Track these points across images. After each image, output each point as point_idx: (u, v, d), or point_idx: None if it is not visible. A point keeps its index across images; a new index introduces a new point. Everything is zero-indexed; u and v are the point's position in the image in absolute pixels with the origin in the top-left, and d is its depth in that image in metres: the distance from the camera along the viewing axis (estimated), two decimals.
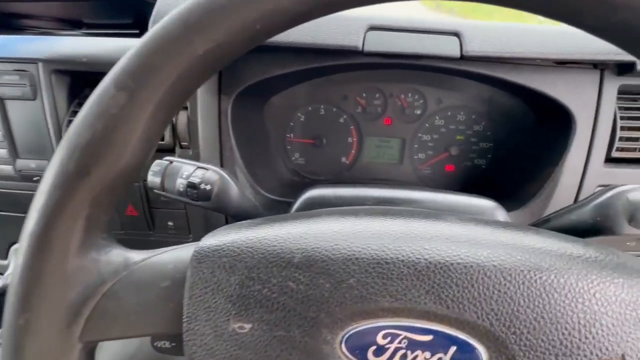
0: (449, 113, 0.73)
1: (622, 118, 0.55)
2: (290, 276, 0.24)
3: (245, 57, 0.56)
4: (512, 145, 0.71)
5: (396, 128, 0.75)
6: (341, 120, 0.75)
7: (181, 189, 0.39)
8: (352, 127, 0.76)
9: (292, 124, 0.76)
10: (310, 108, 0.75)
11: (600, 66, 0.53)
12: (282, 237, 0.25)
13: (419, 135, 0.75)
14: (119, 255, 0.27)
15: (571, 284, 0.22)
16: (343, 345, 0.23)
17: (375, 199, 0.43)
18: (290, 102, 0.73)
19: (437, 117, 0.73)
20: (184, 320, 0.24)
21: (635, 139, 0.56)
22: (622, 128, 0.55)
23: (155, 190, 0.41)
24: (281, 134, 0.76)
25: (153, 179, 0.40)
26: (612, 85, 0.54)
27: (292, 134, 0.77)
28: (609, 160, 0.57)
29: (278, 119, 0.74)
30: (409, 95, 0.73)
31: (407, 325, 0.22)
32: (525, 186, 0.61)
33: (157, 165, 0.41)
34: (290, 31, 0.52)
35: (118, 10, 0.84)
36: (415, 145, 0.76)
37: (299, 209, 0.43)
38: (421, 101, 0.73)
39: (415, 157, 0.76)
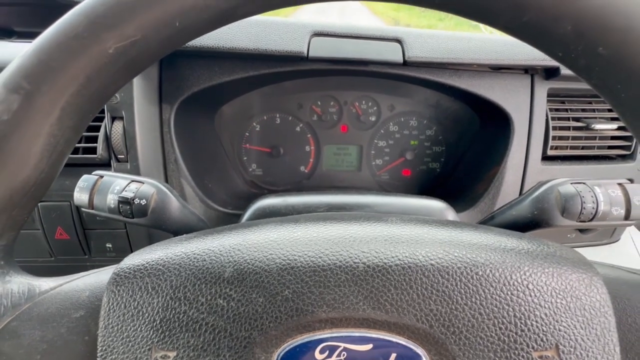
0: (402, 119, 0.75)
1: (552, 119, 0.60)
2: (220, 293, 0.22)
3: (189, 64, 0.53)
4: (462, 149, 0.74)
5: (353, 135, 0.75)
6: (297, 129, 0.75)
7: (112, 206, 0.35)
8: (309, 135, 0.75)
9: (247, 134, 0.74)
10: (265, 117, 0.73)
11: (530, 71, 0.57)
12: (213, 250, 0.23)
13: (375, 141, 0.76)
14: (20, 284, 0.24)
15: (506, 277, 0.22)
16: None
17: (327, 205, 0.42)
18: (244, 111, 0.71)
19: (391, 123, 0.75)
20: (98, 354, 0.21)
21: (566, 138, 0.61)
22: (554, 128, 0.60)
23: (84, 210, 0.37)
24: (236, 145, 0.74)
25: (80, 196, 0.36)
26: (542, 89, 0.58)
27: (248, 144, 0.75)
28: (545, 158, 0.61)
29: (232, 129, 0.72)
30: (363, 102, 0.74)
31: (345, 335, 0.21)
32: (475, 186, 0.64)
33: (85, 180, 0.37)
34: (234, 37, 0.51)
35: (50, 18, 0.78)
36: (372, 152, 0.77)
37: (249, 221, 0.41)
38: (375, 108, 0.74)
39: (373, 163, 0.77)
